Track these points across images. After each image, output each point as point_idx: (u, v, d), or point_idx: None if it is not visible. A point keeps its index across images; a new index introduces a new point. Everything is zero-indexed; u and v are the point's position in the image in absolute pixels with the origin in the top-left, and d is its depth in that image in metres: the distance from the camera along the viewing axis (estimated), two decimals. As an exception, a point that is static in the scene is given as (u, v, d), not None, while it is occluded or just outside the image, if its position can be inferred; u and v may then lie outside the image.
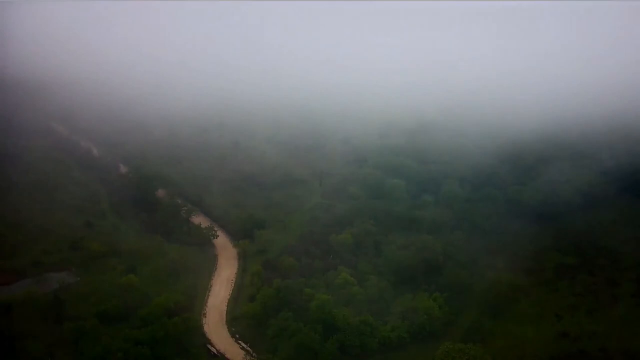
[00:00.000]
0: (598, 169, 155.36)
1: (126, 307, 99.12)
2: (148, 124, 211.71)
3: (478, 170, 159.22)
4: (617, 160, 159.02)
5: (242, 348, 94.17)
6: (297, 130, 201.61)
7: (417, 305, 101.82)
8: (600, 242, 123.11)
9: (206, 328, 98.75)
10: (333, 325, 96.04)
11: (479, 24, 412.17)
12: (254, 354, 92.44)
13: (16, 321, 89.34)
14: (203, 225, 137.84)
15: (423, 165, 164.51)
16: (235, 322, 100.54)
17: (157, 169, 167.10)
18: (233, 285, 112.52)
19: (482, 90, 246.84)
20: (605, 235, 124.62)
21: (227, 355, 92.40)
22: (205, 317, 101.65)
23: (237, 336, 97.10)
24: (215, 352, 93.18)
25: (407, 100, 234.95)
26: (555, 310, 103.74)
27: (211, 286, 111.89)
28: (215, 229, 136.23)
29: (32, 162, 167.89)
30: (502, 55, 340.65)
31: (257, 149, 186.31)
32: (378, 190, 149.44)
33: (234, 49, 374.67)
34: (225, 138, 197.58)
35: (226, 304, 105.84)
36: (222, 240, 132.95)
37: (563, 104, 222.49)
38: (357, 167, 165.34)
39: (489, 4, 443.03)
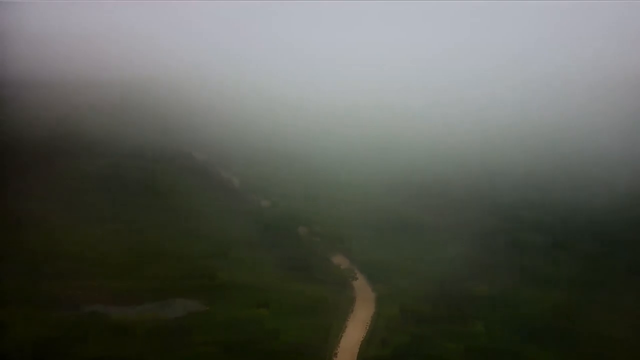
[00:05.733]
0: None
1: (254, 341, 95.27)
2: (287, 157, 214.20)
3: (609, 226, 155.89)
4: None
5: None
6: (429, 176, 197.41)
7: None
8: None
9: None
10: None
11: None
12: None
13: (135, 345, 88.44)
14: (343, 266, 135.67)
15: (558, 217, 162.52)
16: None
17: (299, 205, 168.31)
18: (368, 328, 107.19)
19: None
20: None
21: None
22: (336, 357, 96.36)
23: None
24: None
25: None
26: None
27: (345, 327, 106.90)
28: (355, 270, 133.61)
29: (171, 188, 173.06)
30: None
31: (404, 196, 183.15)
32: (514, 244, 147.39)
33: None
34: (365, 179, 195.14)
35: (359, 346, 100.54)
36: (360, 283, 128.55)
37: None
38: (495, 220, 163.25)
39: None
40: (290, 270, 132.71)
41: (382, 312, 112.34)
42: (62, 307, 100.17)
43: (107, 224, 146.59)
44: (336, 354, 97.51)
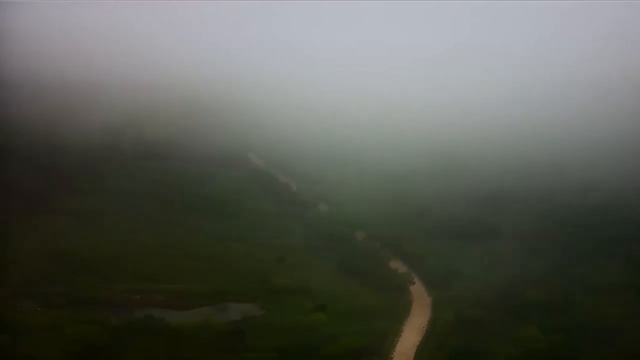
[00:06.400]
0: None
1: (310, 345, 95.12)
2: (346, 162, 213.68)
3: None
4: None
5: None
6: (498, 182, 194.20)
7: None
8: None
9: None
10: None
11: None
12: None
13: (190, 349, 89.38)
14: (400, 271, 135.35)
15: (607, 223, 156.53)
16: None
17: (356, 210, 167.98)
18: (424, 332, 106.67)
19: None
20: None
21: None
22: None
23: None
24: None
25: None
26: None
27: (402, 332, 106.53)
28: (412, 275, 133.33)
29: (225, 192, 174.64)
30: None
31: (458, 200, 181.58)
32: (568, 250, 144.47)
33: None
34: (423, 188, 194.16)
35: (414, 350, 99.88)
36: (417, 288, 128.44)
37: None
38: (549, 224, 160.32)
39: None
40: (347, 274, 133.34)
41: (438, 317, 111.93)
42: (117, 311, 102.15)
43: (165, 230, 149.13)
44: (392, 358, 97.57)
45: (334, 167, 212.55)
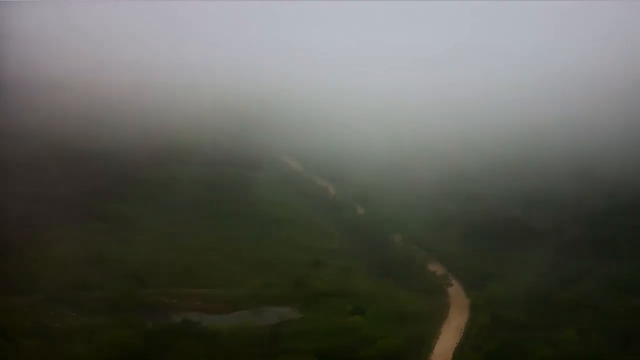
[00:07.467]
0: None
1: (348, 348, 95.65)
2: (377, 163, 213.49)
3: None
4: None
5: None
6: (533, 181, 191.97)
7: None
8: None
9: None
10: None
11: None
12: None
13: (227, 353, 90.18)
14: (438, 273, 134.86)
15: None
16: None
17: (394, 213, 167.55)
18: (461, 334, 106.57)
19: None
20: None
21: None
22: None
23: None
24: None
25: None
26: None
27: (440, 334, 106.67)
28: (450, 277, 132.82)
29: (261, 195, 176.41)
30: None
31: (495, 200, 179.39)
32: (607, 250, 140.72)
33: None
34: (460, 188, 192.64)
35: (452, 352, 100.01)
36: (455, 289, 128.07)
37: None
38: (588, 226, 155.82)
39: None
40: (385, 277, 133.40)
41: (476, 319, 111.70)
42: (154, 315, 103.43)
43: (202, 233, 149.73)
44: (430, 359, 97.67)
45: (371, 170, 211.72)
